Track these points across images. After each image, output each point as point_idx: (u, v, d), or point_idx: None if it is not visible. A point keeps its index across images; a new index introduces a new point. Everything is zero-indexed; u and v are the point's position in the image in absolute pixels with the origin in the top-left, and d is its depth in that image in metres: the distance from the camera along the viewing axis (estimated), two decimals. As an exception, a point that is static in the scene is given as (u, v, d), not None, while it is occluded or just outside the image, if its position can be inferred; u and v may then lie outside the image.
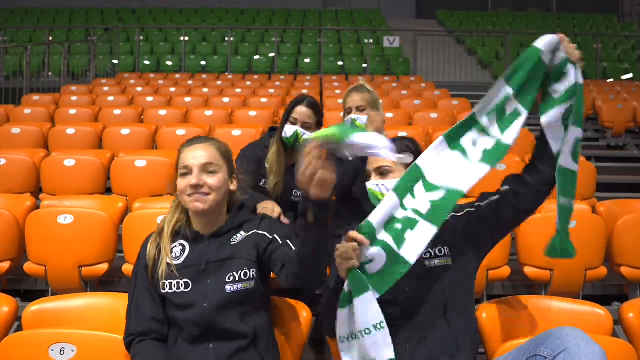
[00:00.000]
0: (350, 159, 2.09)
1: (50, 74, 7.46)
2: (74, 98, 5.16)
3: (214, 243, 1.32)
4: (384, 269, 1.19)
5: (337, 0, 13.47)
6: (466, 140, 1.30)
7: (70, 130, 3.67)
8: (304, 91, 5.87)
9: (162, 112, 4.43)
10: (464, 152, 1.29)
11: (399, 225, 1.21)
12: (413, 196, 1.25)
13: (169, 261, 1.28)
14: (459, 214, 1.39)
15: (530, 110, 1.32)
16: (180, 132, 3.59)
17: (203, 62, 8.87)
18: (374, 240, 1.20)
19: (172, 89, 5.83)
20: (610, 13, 12.64)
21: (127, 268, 2.07)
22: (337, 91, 5.88)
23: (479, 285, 1.90)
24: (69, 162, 2.94)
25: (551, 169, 1.28)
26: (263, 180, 2.07)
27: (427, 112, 4.53)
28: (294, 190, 2.08)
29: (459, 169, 1.27)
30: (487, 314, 1.46)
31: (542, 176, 1.30)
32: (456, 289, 1.32)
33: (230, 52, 8.59)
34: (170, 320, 1.30)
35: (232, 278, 1.27)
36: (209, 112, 4.45)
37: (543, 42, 1.33)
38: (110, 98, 5.15)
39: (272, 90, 5.85)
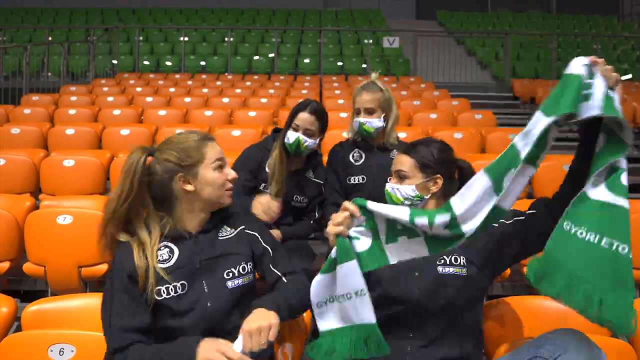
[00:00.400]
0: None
1: (49, 74, 7.46)
2: (73, 98, 5.16)
3: (203, 240, 1.28)
4: (365, 253, 1.18)
5: (337, 0, 13.48)
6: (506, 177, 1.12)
7: (70, 131, 3.67)
8: (304, 91, 5.88)
9: (162, 113, 4.44)
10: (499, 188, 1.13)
11: (399, 227, 1.19)
12: (430, 224, 1.15)
13: (159, 266, 1.20)
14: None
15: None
16: (180, 132, 3.58)
17: (203, 63, 8.88)
18: (368, 219, 1.19)
19: (172, 89, 5.84)
20: (610, 14, 12.66)
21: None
22: (337, 91, 5.89)
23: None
24: (69, 163, 2.94)
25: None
26: (263, 184, 2.04)
27: (427, 113, 4.53)
28: (295, 196, 2.06)
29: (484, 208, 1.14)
30: (486, 314, 1.46)
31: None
32: (466, 299, 1.30)
33: (230, 53, 8.59)
34: (161, 331, 1.20)
35: (231, 274, 1.27)
36: (208, 113, 4.46)
37: (576, 66, 1.17)
38: (110, 98, 5.15)
39: (271, 91, 5.85)
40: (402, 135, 3.20)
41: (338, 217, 1.19)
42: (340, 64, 8.88)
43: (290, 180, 2.01)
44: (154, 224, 1.25)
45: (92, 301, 1.45)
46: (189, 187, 1.25)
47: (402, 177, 1.42)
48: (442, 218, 1.14)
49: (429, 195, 1.40)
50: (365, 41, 8.95)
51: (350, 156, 2.13)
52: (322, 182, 2.14)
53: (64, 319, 1.40)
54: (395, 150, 2.13)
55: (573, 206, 1.08)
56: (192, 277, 1.23)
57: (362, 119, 2.06)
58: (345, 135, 2.24)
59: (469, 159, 1.53)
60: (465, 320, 1.31)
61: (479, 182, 1.13)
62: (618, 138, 1.09)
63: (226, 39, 8.96)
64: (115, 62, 8.36)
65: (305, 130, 1.98)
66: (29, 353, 1.25)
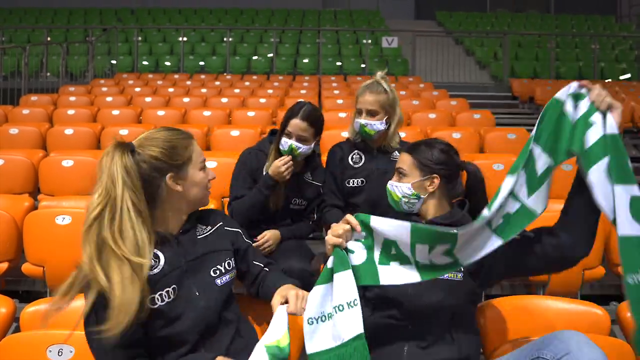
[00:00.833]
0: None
1: (48, 74, 7.45)
2: (72, 98, 5.16)
3: (184, 241, 1.24)
4: (360, 266, 1.21)
5: (336, 0, 13.47)
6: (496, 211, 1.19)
7: (69, 131, 3.66)
8: (302, 92, 5.88)
9: (161, 113, 4.43)
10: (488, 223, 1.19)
11: (393, 251, 1.22)
12: (412, 253, 1.21)
13: (149, 273, 1.12)
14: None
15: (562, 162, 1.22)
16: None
17: (202, 63, 8.88)
18: (367, 236, 1.22)
19: (171, 89, 5.83)
20: (608, 14, 12.68)
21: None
22: (336, 92, 5.89)
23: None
24: (67, 163, 2.94)
25: (591, 230, 1.21)
26: None
27: (426, 113, 4.53)
28: (294, 199, 2.05)
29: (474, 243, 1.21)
30: (485, 313, 1.47)
31: (577, 237, 1.22)
32: (459, 303, 1.30)
33: (229, 53, 8.60)
34: (158, 341, 1.15)
35: (218, 272, 1.26)
36: (207, 113, 4.45)
37: (561, 91, 1.22)
38: (109, 98, 5.14)
39: (270, 91, 5.85)
40: (401, 135, 3.20)
41: (338, 228, 1.21)
42: (339, 64, 8.88)
43: (288, 183, 1.99)
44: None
45: (91, 301, 1.44)
46: (178, 188, 1.21)
47: (401, 175, 1.43)
48: (442, 247, 1.18)
49: (426, 195, 1.40)
50: (364, 41, 8.96)
51: (350, 158, 2.10)
52: (320, 184, 2.12)
53: (62, 320, 1.40)
54: (397, 152, 2.11)
55: (624, 257, 1.10)
56: (180, 280, 1.19)
57: (363, 120, 2.01)
58: (344, 135, 2.21)
59: (468, 158, 1.53)
60: (462, 322, 1.31)
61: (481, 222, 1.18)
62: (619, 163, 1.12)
63: (225, 39, 8.96)
64: (114, 62, 8.36)
65: (298, 136, 1.92)
66: (27, 353, 1.25)
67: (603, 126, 1.14)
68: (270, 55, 8.89)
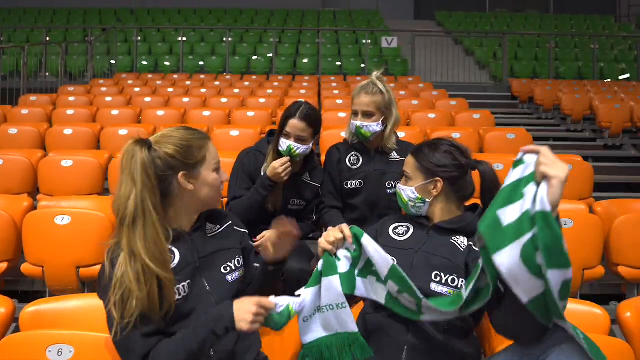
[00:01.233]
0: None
1: (47, 74, 7.44)
2: (71, 98, 5.15)
3: (197, 238, 1.27)
4: (343, 275, 1.27)
5: (336, 0, 13.47)
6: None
7: (68, 131, 3.66)
8: (302, 91, 5.88)
9: (160, 113, 4.43)
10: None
11: (374, 268, 1.27)
12: (399, 292, 1.25)
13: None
14: (476, 249, 1.30)
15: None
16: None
17: (201, 63, 8.87)
18: (356, 249, 1.28)
19: (170, 90, 5.83)
20: (607, 14, 12.69)
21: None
22: (335, 92, 5.89)
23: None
24: (67, 163, 2.93)
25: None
26: None
27: (425, 113, 4.53)
28: (292, 199, 2.05)
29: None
30: (485, 314, 1.46)
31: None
32: (457, 318, 1.25)
33: (229, 53, 8.59)
34: (166, 336, 1.15)
35: (228, 268, 1.29)
36: (207, 113, 4.45)
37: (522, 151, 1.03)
38: (108, 98, 5.14)
39: (270, 91, 5.85)
40: (400, 135, 3.20)
41: (331, 236, 1.27)
42: (338, 64, 8.88)
43: (286, 184, 1.98)
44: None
45: (91, 301, 1.44)
46: (189, 187, 1.22)
47: (406, 178, 1.43)
48: (410, 298, 1.22)
49: (431, 199, 1.38)
50: (364, 41, 8.96)
51: (347, 160, 2.09)
52: (318, 185, 2.12)
53: (62, 320, 1.40)
54: (394, 153, 2.11)
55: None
56: (193, 276, 1.23)
57: (359, 122, 2.00)
58: (344, 135, 2.21)
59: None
60: (461, 323, 1.30)
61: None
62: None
63: (224, 39, 8.95)
64: (113, 62, 8.35)
65: (296, 137, 1.92)
66: (27, 353, 1.24)
67: (532, 201, 0.94)
68: (270, 55, 8.89)
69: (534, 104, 6.51)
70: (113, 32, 8.52)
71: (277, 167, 1.89)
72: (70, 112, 4.46)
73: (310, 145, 1.99)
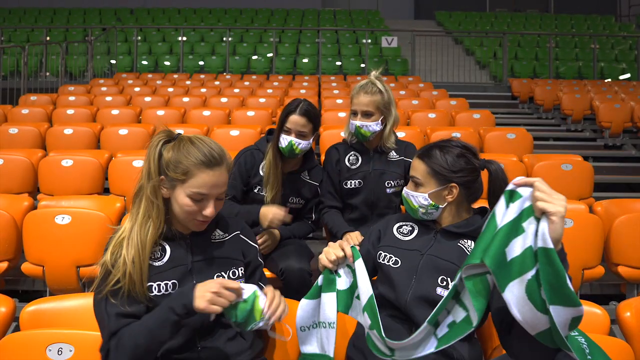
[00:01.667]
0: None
1: (47, 74, 7.45)
2: (71, 98, 5.15)
3: (196, 241, 1.27)
4: (341, 292, 1.27)
5: (336, 0, 13.48)
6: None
7: (68, 131, 3.66)
8: (302, 91, 5.88)
9: (160, 112, 4.43)
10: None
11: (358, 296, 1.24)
12: (371, 327, 1.16)
13: (151, 263, 1.20)
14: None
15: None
16: (179, 132, 3.58)
17: (201, 62, 8.88)
18: (353, 270, 1.26)
19: (170, 89, 5.83)
20: (607, 14, 12.70)
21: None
22: (335, 91, 5.89)
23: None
24: (67, 162, 2.94)
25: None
26: (258, 187, 2.02)
27: (425, 112, 4.53)
28: (291, 197, 2.05)
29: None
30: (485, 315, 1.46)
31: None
32: None
33: (229, 52, 8.60)
34: None
35: (221, 277, 1.25)
36: (207, 112, 4.45)
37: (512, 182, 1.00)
38: (108, 98, 5.14)
39: (270, 91, 5.85)
40: (401, 134, 3.20)
41: (332, 254, 1.25)
42: (338, 63, 8.88)
43: (285, 182, 1.99)
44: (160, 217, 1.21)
45: (91, 301, 1.44)
46: (164, 192, 1.21)
47: (416, 184, 1.35)
48: (377, 336, 1.14)
49: (445, 204, 1.33)
50: (364, 41, 8.96)
51: (346, 159, 2.10)
52: (317, 183, 2.12)
53: (62, 319, 1.40)
54: (393, 152, 2.12)
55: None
56: (183, 278, 1.22)
57: (359, 122, 2.01)
58: (342, 135, 2.21)
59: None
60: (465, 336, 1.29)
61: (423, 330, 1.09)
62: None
63: (224, 38, 8.96)
64: (113, 62, 8.36)
65: (297, 133, 1.93)
66: (27, 353, 1.24)
67: (534, 236, 0.92)
68: (270, 55, 8.90)
69: (534, 104, 6.51)
70: (113, 31, 8.53)
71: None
72: (70, 111, 4.47)
73: (311, 141, 2.00)
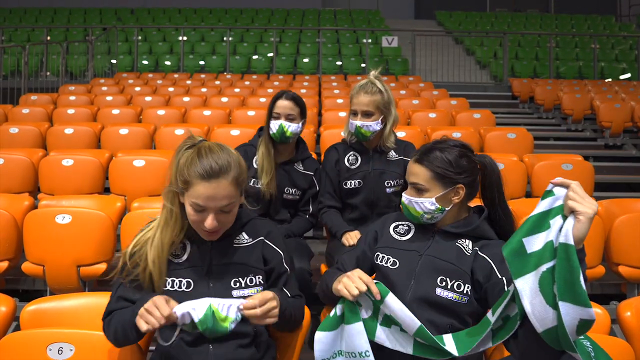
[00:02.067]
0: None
1: (48, 73, 7.45)
2: (72, 98, 5.15)
3: (218, 245, 1.27)
4: (365, 320, 1.20)
5: (336, 0, 13.48)
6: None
7: (69, 130, 3.66)
8: (302, 91, 5.88)
9: (161, 112, 4.43)
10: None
11: (397, 321, 1.18)
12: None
13: (170, 259, 1.24)
14: (482, 254, 1.26)
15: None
16: (179, 131, 3.59)
17: (202, 62, 8.88)
18: (379, 302, 1.18)
19: (171, 89, 5.83)
20: (608, 14, 12.69)
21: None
22: (336, 91, 5.89)
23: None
24: (67, 162, 2.94)
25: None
26: (253, 179, 2.04)
27: (426, 112, 4.53)
28: (286, 188, 2.07)
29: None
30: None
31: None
32: (462, 320, 1.25)
33: (229, 52, 8.60)
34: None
35: (238, 284, 1.25)
36: (207, 112, 4.45)
37: (554, 183, 1.02)
38: (109, 98, 5.14)
39: (270, 90, 5.85)
40: (401, 134, 3.20)
41: (354, 288, 1.16)
42: (339, 63, 8.88)
43: (279, 172, 2.04)
44: (181, 218, 1.24)
45: (91, 300, 1.45)
46: (182, 199, 1.22)
47: (419, 190, 1.31)
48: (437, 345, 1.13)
49: (451, 206, 1.31)
50: (364, 41, 8.96)
51: (346, 159, 2.11)
52: (312, 173, 2.15)
53: (62, 318, 1.40)
54: (393, 152, 2.12)
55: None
56: (199, 278, 1.23)
57: (359, 122, 2.01)
58: (342, 134, 2.22)
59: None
60: (462, 327, 1.28)
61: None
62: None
63: (225, 38, 8.96)
64: (114, 61, 8.36)
65: (286, 116, 2.04)
66: (27, 352, 1.25)
67: (558, 233, 0.95)
68: (270, 54, 8.90)
69: (535, 104, 6.51)
70: (113, 31, 8.53)
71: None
72: (70, 111, 4.47)
73: (300, 125, 2.08)
